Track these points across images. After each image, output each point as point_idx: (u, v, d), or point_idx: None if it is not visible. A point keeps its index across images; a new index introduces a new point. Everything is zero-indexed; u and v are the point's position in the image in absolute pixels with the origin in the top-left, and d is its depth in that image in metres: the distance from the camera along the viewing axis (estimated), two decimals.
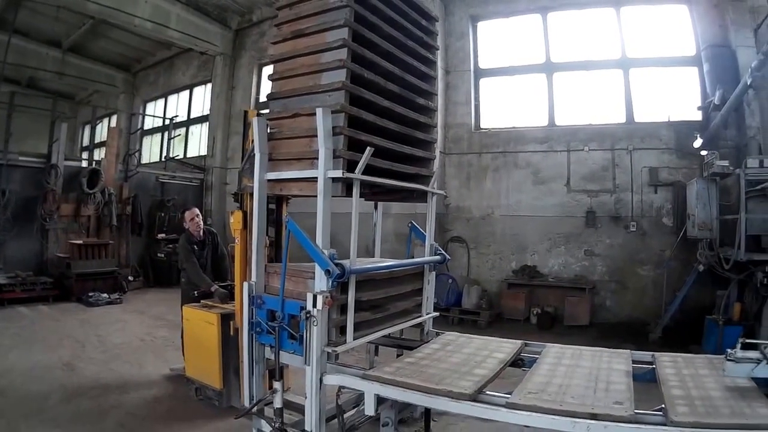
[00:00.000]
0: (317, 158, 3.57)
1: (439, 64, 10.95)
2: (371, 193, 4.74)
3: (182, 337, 6.19)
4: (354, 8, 3.80)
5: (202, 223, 6.57)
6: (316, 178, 3.59)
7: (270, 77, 4.28)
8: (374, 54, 4.02)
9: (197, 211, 6.66)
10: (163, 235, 13.90)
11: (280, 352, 3.75)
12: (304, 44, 4.01)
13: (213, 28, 15.70)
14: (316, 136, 3.57)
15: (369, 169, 3.69)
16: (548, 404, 2.98)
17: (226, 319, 5.19)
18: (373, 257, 5.13)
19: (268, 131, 4.08)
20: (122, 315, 10.10)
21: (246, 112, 4.84)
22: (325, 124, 3.52)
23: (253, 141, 4.24)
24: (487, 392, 3.25)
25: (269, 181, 4.04)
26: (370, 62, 3.99)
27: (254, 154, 4.13)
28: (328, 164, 3.55)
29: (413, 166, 4.54)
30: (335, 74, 3.72)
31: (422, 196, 4.85)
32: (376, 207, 5.12)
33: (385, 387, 3.38)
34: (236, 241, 4.51)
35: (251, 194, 4.21)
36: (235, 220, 4.62)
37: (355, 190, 3.65)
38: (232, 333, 4.94)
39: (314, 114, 3.60)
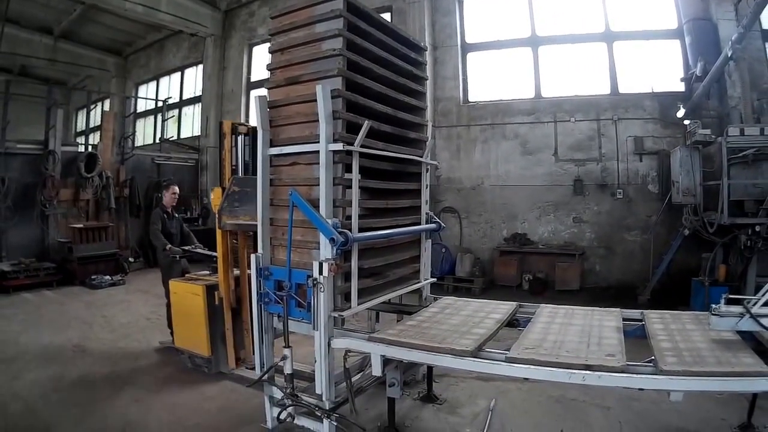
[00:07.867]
0: (317, 207, 3.77)
1: (427, 39, 11.06)
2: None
3: (168, 310, 6.54)
4: (346, 56, 3.88)
5: (176, 199, 7.45)
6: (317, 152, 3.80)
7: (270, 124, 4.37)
8: (367, 99, 4.12)
9: (177, 189, 7.45)
10: None
11: (288, 320, 3.97)
12: (298, 92, 4.06)
13: (203, 10, 15.65)
14: (316, 185, 3.82)
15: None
16: (545, 357, 3.21)
17: (211, 290, 5.58)
18: None
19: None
20: (126, 296, 10.27)
21: (221, 124, 4.79)
22: (325, 105, 3.71)
23: (229, 183, 4.64)
24: (487, 349, 3.48)
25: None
26: (363, 107, 4.10)
27: (233, 191, 4.51)
28: (329, 139, 3.74)
29: (407, 216, 4.90)
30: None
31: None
32: None
33: (391, 347, 3.60)
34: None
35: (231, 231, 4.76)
36: (215, 197, 4.80)
37: (355, 163, 3.86)
38: (216, 303, 5.44)
39: (312, 163, 3.87)
